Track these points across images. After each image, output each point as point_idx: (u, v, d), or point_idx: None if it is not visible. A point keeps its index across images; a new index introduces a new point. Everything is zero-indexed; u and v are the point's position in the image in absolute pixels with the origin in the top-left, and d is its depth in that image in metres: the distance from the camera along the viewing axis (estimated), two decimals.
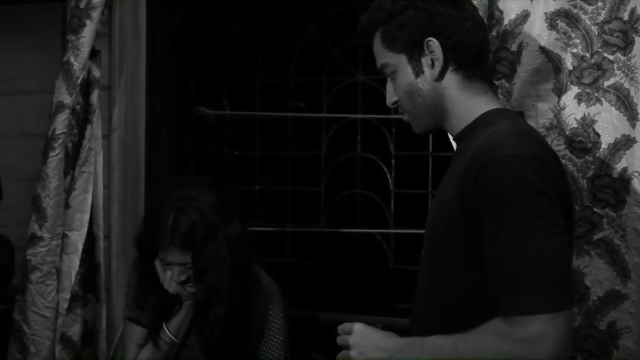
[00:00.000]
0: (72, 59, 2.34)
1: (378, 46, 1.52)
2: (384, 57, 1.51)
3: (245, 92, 3.49)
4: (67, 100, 2.35)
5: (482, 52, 1.49)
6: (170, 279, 1.89)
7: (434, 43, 1.45)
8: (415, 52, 1.47)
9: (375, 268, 3.37)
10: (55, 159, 2.35)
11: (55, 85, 2.38)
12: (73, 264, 2.38)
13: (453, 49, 1.45)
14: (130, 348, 1.99)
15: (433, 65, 1.46)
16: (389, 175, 3.32)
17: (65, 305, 2.38)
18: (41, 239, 2.36)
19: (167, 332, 1.93)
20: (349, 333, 1.44)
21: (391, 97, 1.54)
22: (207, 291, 1.88)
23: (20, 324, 2.38)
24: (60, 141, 2.35)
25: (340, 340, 1.46)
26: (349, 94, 3.35)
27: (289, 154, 3.44)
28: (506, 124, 1.41)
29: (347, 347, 1.43)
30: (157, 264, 1.92)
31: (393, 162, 3.31)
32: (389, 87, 1.54)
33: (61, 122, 2.35)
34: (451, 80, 1.47)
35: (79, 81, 2.35)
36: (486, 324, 1.29)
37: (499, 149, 1.32)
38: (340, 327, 1.47)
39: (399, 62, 1.49)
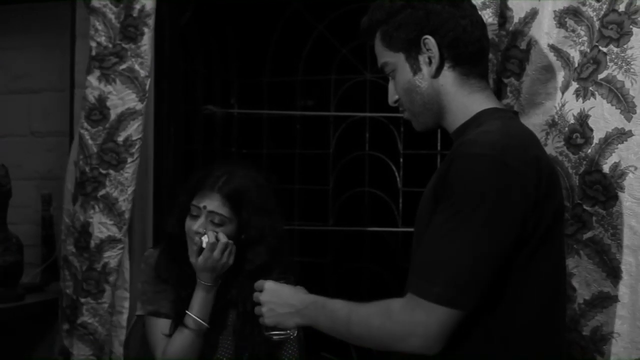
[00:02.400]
0: (137, 67, 2.39)
1: (378, 45, 1.55)
2: (384, 56, 1.54)
3: (253, 90, 3.49)
4: (139, 106, 2.40)
5: (480, 50, 1.50)
6: (195, 227, 1.89)
7: (430, 40, 1.47)
8: (412, 50, 1.49)
9: (383, 266, 3.36)
10: (133, 164, 2.40)
11: (103, 88, 2.40)
12: (124, 262, 2.43)
13: (449, 46, 1.47)
14: (157, 341, 1.96)
15: (430, 62, 1.48)
16: (396, 174, 3.31)
17: (125, 304, 2.42)
18: (119, 241, 2.41)
19: (193, 316, 1.91)
20: (261, 290, 1.58)
21: (392, 96, 1.57)
22: (266, 255, 1.91)
23: (95, 326, 2.40)
24: (136, 147, 2.40)
25: (254, 296, 1.60)
26: (357, 92, 3.34)
27: (296, 152, 3.44)
28: (496, 123, 1.42)
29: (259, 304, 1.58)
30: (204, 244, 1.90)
31: (401, 160, 3.31)
32: (390, 85, 1.57)
33: (135, 129, 2.40)
34: (448, 77, 1.49)
35: (147, 87, 2.40)
36: (384, 300, 1.38)
37: (473, 145, 1.35)
38: (255, 284, 1.61)
39: (398, 61, 1.51)
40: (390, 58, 1.52)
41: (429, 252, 1.35)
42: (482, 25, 1.52)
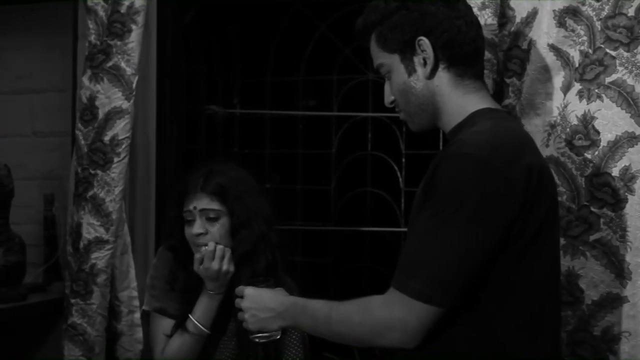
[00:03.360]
0: (123, 64, 2.36)
1: (373, 47, 1.55)
2: (379, 57, 1.54)
3: (256, 90, 3.50)
4: (125, 105, 2.37)
5: (474, 50, 1.51)
6: (194, 229, 1.91)
7: (425, 42, 1.47)
8: (407, 51, 1.50)
9: (385, 266, 3.36)
10: (120, 163, 2.38)
11: (93, 88, 2.39)
12: (129, 262, 2.45)
13: (444, 47, 1.47)
14: (158, 340, 1.98)
15: (425, 63, 1.49)
16: (399, 174, 3.32)
17: (135, 302, 2.44)
18: (107, 242, 2.38)
19: (194, 321, 1.92)
20: (242, 297, 1.62)
21: (388, 97, 1.58)
22: (252, 239, 1.92)
23: (84, 327, 2.40)
24: (123, 146, 2.37)
25: (235, 303, 1.64)
26: (359, 92, 3.34)
27: (299, 152, 3.44)
28: (487, 124, 1.43)
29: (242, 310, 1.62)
30: (204, 251, 1.91)
31: (403, 160, 3.31)
32: (386, 87, 1.58)
33: (122, 128, 2.37)
34: (443, 78, 1.49)
35: (134, 85, 2.37)
36: (365, 297, 1.41)
37: (462, 145, 1.37)
38: (236, 290, 1.66)
39: (393, 62, 1.52)
40: (385, 59, 1.53)
41: (412, 248, 1.38)
42: (477, 25, 1.52)
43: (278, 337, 1.67)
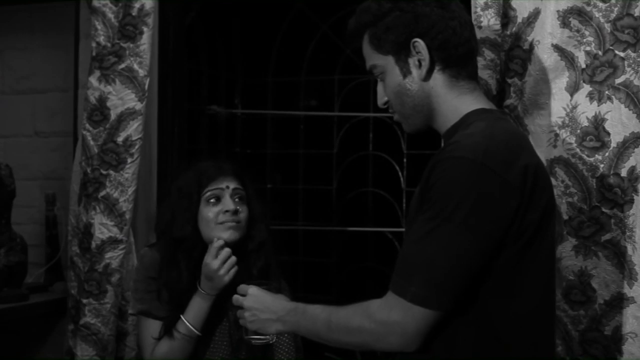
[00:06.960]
0: (136, 66, 2.38)
1: (366, 48, 1.55)
2: (373, 58, 1.54)
3: (257, 90, 3.50)
4: (139, 106, 2.39)
5: (469, 51, 1.50)
6: (229, 206, 1.91)
7: (420, 43, 1.46)
8: (402, 53, 1.49)
9: (387, 266, 3.36)
10: (134, 164, 2.40)
11: (103, 89, 2.40)
12: (134, 262, 2.44)
13: (439, 48, 1.46)
14: (146, 342, 1.97)
15: (420, 65, 1.48)
16: (400, 174, 3.32)
17: None
18: (120, 241, 2.40)
19: (185, 322, 1.92)
20: (244, 295, 1.62)
21: (381, 98, 1.57)
22: (265, 232, 1.98)
23: (98, 327, 2.41)
24: (137, 147, 2.39)
25: (234, 299, 1.64)
26: (361, 92, 3.34)
27: (300, 152, 3.44)
28: (480, 125, 1.43)
29: (242, 307, 1.62)
30: (213, 245, 1.91)
31: (405, 160, 3.31)
32: (379, 87, 1.57)
33: (135, 129, 2.39)
34: (438, 79, 1.49)
35: (146, 87, 2.39)
36: (364, 302, 1.41)
37: (456, 148, 1.36)
38: (238, 288, 1.65)
39: (387, 63, 1.51)
40: (379, 61, 1.52)
41: (408, 252, 1.37)
42: (470, 26, 1.51)
43: (273, 341, 1.69)
